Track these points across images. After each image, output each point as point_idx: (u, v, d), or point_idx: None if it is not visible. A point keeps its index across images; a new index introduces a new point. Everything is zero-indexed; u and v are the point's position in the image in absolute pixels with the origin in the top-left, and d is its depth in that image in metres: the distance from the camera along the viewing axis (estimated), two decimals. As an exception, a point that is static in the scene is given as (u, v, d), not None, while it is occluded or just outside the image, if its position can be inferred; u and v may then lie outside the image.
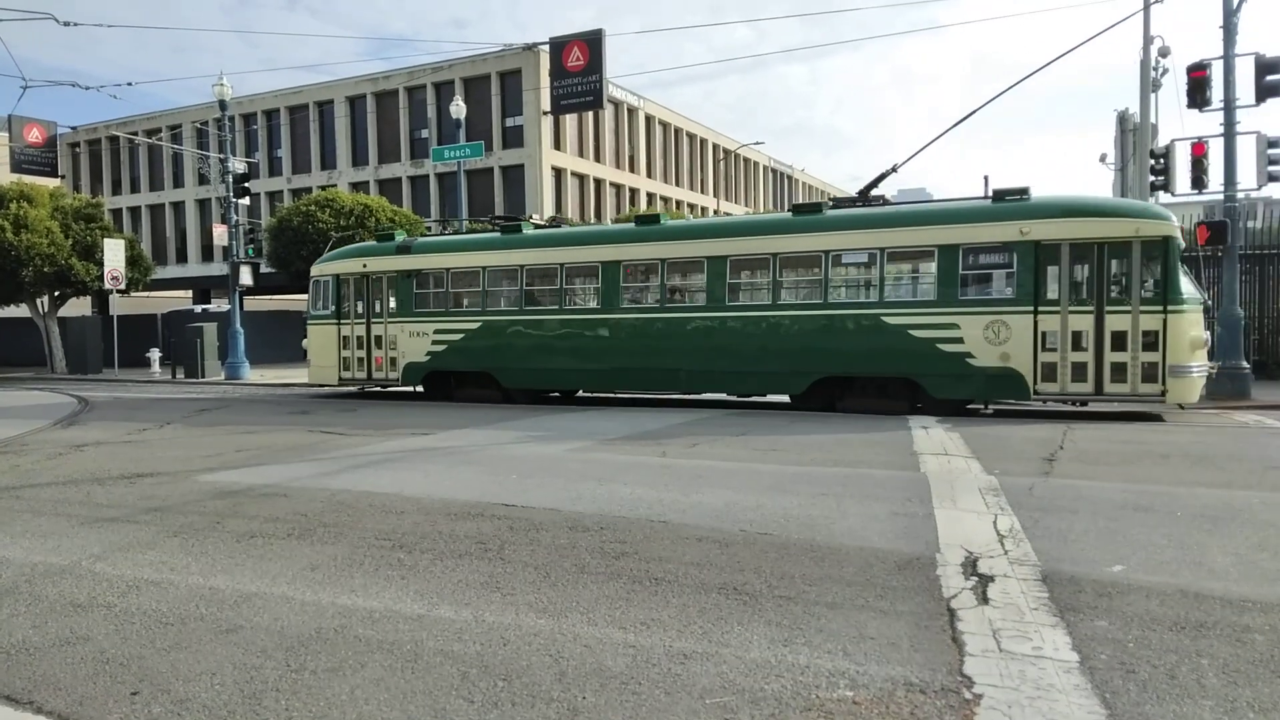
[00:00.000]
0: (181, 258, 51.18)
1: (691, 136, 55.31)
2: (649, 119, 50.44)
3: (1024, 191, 12.91)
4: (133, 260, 29.69)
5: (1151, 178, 18.17)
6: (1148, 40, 20.35)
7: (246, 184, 27.67)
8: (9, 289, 28.85)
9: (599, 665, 3.70)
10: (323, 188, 39.35)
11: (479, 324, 16.80)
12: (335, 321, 18.40)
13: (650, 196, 49.91)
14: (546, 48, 38.77)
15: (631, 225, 16.70)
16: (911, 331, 13.00)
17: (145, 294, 33.24)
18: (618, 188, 47.84)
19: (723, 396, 16.12)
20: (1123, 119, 22.39)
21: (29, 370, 31.41)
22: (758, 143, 53.82)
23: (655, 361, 15.06)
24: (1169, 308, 11.74)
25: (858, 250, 13.61)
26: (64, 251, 27.98)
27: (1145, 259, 11.99)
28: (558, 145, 42.99)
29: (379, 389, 19.16)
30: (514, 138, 42.38)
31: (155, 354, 29.71)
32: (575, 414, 13.78)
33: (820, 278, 13.85)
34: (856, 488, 7.30)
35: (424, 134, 43.60)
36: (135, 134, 46.45)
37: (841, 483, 7.54)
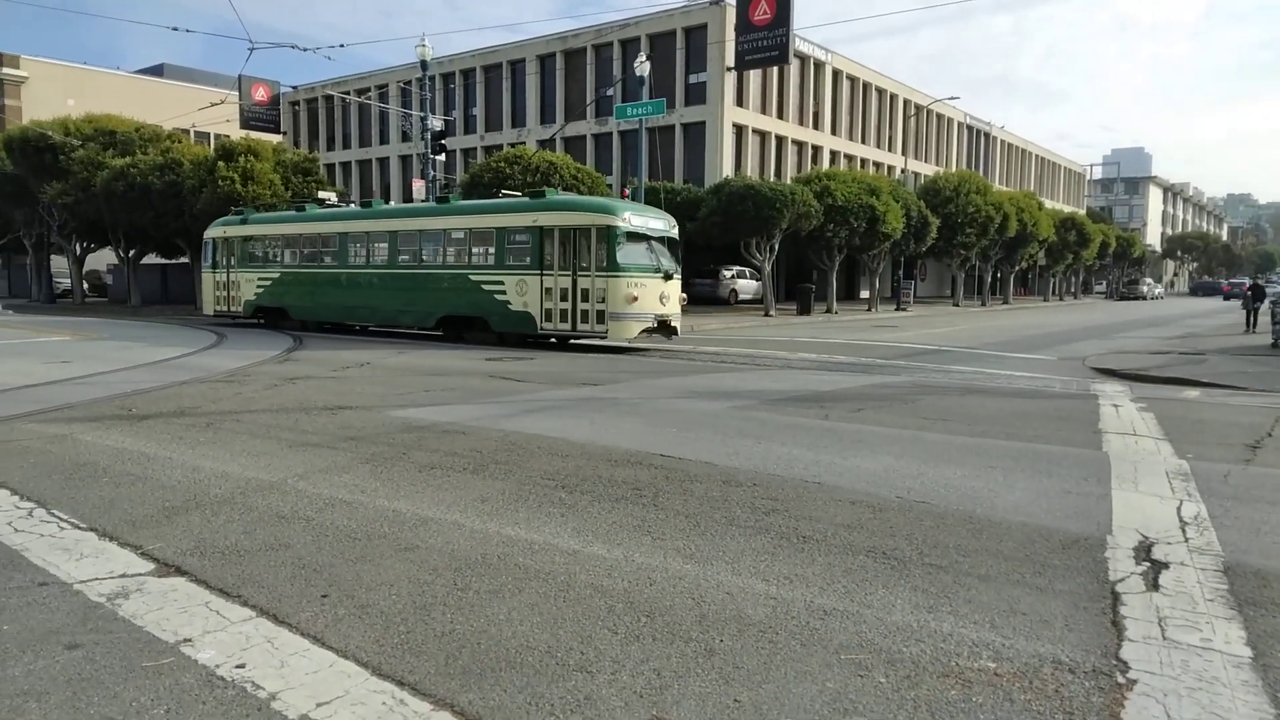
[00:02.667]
0: (384, 210, 54.64)
1: (881, 91, 53.11)
2: (836, 73, 48.82)
3: (543, 192, 19.04)
4: (342, 212, 32.10)
5: None
6: None
7: (443, 141, 29.22)
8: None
9: (739, 612, 3.82)
10: (513, 144, 40.85)
11: (279, 274, 23.74)
12: (212, 270, 25.64)
13: (834, 154, 48.52)
14: (733, 2, 38.22)
15: (358, 207, 23.37)
16: (483, 286, 18.90)
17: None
18: (799, 145, 46.79)
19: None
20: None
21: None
22: (952, 98, 50.79)
23: (363, 303, 21.73)
24: (610, 274, 17.21)
25: (459, 230, 19.81)
26: (285, 203, 30.65)
27: (599, 241, 17.37)
28: (740, 102, 42.49)
29: (249, 321, 25.06)
30: (696, 94, 42.24)
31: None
32: (733, 373, 13.83)
33: (442, 247, 20.11)
34: (1028, 463, 6.98)
35: (609, 91, 44.25)
36: (347, 93, 49.91)
37: (1012, 457, 7.23)
